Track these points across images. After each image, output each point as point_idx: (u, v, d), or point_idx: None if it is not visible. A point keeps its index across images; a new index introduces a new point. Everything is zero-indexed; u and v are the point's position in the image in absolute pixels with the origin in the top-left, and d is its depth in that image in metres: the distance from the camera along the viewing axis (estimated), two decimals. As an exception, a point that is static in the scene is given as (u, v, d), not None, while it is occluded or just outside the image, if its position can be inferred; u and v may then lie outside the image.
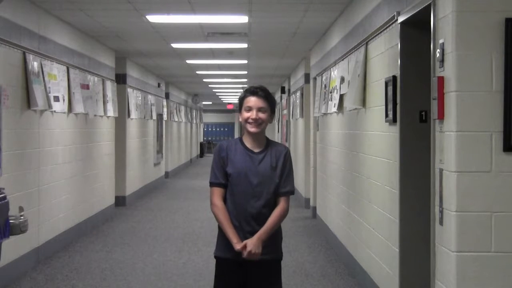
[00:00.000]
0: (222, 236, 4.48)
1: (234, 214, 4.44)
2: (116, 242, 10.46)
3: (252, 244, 4.32)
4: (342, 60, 8.85)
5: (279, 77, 20.99)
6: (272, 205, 4.46)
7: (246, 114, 4.45)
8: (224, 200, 4.49)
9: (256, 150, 4.49)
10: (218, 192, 4.48)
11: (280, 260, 4.56)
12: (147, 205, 15.45)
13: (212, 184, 4.51)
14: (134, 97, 15.79)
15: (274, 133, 29.05)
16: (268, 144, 4.53)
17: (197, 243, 10.30)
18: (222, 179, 4.48)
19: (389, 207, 6.28)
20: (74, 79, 10.35)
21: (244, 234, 4.39)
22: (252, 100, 4.45)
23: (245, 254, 4.31)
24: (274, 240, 4.49)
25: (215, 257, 4.56)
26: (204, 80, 22.45)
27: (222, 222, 4.43)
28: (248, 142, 4.52)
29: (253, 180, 4.42)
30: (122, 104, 14.70)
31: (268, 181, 4.43)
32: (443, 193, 4.61)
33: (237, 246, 4.33)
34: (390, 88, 6.14)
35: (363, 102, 7.42)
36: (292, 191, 4.49)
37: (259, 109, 4.44)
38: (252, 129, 4.44)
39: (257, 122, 4.44)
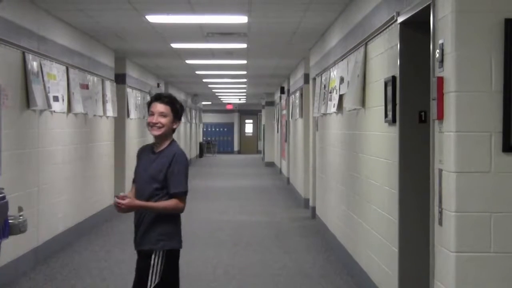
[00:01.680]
0: None
1: None
2: (115, 242, 10.46)
3: (128, 199, 4.63)
4: (342, 60, 8.85)
5: (279, 77, 20.98)
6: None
7: (149, 119, 4.79)
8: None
9: (156, 151, 4.81)
10: (132, 187, 4.90)
11: (151, 252, 4.73)
12: (146, 205, 15.43)
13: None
14: (133, 97, 15.78)
15: (274, 134, 29.07)
16: (169, 146, 4.80)
17: (196, 243, 10.30)
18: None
19: (388, 207, 6.28)
20: (73, 79, 10.35)
21: (137, 226, 4.79)
22: (155, 106, 4.77)
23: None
24: (149, 233, 4.74)
25: None
26: (204, 80, 22.45)
27: None
28: (155, 144, 4.85)
29: (144, 178, 4.75)
30: (122, 104, 14.68)
31: (151, 180, 4.72)
32: (442, 194, 4.61)
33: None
34: (389, 88, 6.14)
35: (363, 103, 7.42)
36: (182, 192, 4.73)
37: (160, 114, 4.75)
38: (153, 132, 4.75)
39: (157, 125, 4.75)
